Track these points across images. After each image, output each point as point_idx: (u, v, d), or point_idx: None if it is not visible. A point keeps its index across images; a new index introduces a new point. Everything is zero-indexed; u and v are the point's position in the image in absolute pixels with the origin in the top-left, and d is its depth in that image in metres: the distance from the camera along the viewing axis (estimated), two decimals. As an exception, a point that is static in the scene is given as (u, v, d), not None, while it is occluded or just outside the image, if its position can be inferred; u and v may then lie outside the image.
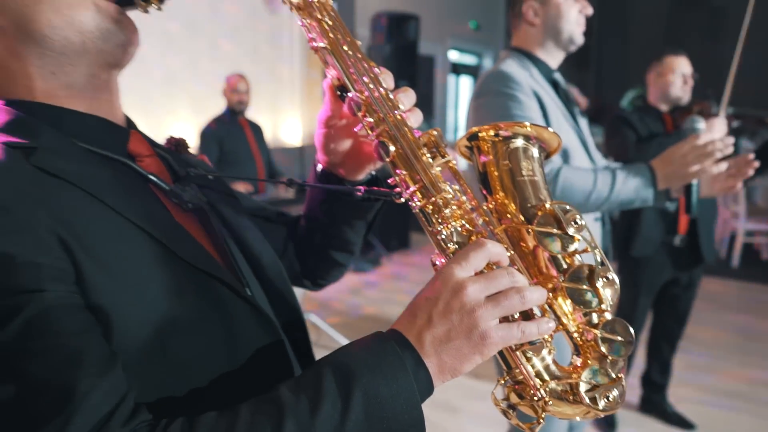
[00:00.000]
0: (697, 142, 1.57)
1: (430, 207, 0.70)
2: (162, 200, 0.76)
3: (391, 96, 0.75)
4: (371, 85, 0.75)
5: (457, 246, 0.69)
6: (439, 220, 0.70)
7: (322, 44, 0.77)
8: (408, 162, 0.72)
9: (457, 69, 9.80)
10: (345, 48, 0.76)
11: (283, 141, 6.19)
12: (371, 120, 0.74)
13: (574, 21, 1.81)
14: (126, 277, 0.64)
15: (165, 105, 4.87)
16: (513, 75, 1.73)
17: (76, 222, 0.63)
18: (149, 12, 0.74)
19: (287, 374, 0.77)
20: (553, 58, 1.87)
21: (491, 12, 9.91)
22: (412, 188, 0.71)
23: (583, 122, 1.95)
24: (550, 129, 0.78)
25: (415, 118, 0.76)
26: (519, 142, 0.78)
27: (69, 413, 0.56)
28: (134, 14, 0.75)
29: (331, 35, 0.77)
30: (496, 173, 0.77)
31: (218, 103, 4.58)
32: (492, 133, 0.78)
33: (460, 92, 10.16)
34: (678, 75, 2.84)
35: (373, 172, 0.92)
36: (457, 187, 0.73)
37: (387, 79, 0.77)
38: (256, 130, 4.57)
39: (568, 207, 0.71)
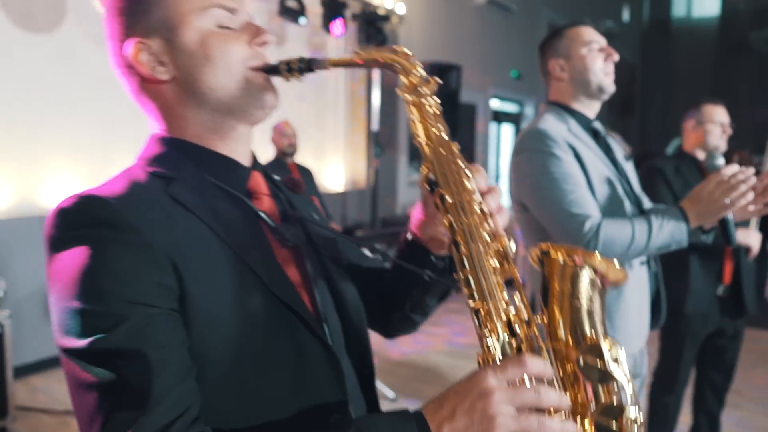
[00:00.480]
0: (720, 176, 1.60)
1: (483, 312, 0.76)
2: (267, 234, 0.88)
3: (478, 197, 0.81)
4: (457, 186, 0.81)
5: (500, 353, 0.74)
6: (488, 326, 0.75)
7: (422, 139, 0.84)
8: (472, 264, 0.77)
9: (499, 117, 9.89)
10: (441, 149, 0.83)
11: (327, 187, 6.34)
12: (451, 218, 0.79)
13: (600, 71, 1.84)
14: (219, 299, 0.77)
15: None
16: (549, 132, 1.77)
17: (188, 248, 0.77)
18: (290, 80, 0.89)
19: (342, 413, 0.85)
20: (589, 108, 1.90)
21: (532, 61, 10.01)
22: (472, 288, 0.77)
23: (629, 167, 1.96)
24: (617, 265, 0.81)
25: (500, 219, 0.82)
26: (585, 270, 0.81)
27: (143, 411, 0.67)
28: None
29: (430, 132, 0.84)
30: (557, 291, 0.81)
31: (265, 151, 4.75)
32: (562, 255, 0.82)
33: (502, 140, 10.22)
34: (717, 124, 2.82)
35: None
36: (516, 297, 0.78)
37: (479, 179, 0.83)
38: (306, 173, 4.72)
39: (611, 343, 0.74)
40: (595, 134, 1.90)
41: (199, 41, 0.84)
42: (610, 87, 1.86)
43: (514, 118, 10.45)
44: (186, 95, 0.86)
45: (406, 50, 0.86)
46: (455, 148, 0.83)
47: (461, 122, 6.54)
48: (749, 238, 2.63)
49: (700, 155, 2.87)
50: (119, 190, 0.78)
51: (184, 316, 0.74)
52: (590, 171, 1.77)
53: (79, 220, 0.74)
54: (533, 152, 1.78)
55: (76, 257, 0.72)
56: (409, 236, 0.98)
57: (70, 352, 0.71)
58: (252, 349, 0.78)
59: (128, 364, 0.69)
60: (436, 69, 5.83)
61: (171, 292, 0.73)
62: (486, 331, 0.75)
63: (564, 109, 1.89)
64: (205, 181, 0.85)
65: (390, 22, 6.07)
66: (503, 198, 0.84)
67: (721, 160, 1.71)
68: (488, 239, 0.79)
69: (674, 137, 10.47)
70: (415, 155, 7.37)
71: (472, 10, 8.23)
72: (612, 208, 1.77)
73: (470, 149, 8.68)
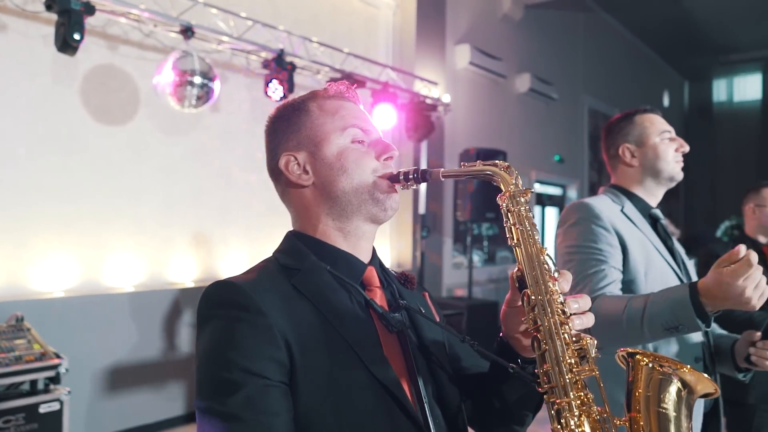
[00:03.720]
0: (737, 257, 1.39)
1: (559, 407, 0.81)
2: (375, 321, 0.99)
3: (562, 299, 0.87)
4: (542, 287, 0.87)
5: None
6: (564, 422, 0.80)
7: (515, 242, 0.91)
8: (551, 361, 0.83)
9: (542, 200, 9.94)
10: (533, 251, 0.90)
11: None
12: (535, 316, 0.86)
13: (672, 160, 1.85)
14: (323, 376, 0.87)
15: (266, 232, 5.25)
16: (594, 207, 1.77)
17: (301, 330, 0.89)
18: (408, 188, 1.03)
19: None
20: (653, 195, 1.90)
21: (574, 146, 10.18)
22: (551, 383, 0.82)
23: (684, 257, 1.92)
24: (707, 377, 0.81)
25: (581, 322, 0.87)
26: (672, 378, 0.83)
27: None
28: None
29: (523, 237, 0.91)
30: (639, 394, 0.84)
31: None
32: (647, 360, 0.85)
33: (546, 222, 10.21)
34: None
35: None
36: (590, 396, 0.82)
37: (563, 282, 0.89)
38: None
39: None
40: (654, 221, 1.88)
41: (337, 155, 1.01)
42: (679, 175, 1.87)
43: (558, 201, 10.48)
44: (321, 197, 1.02)
45: (507, 163, 0.97)
46: (544, 252, 0.90)
47: (506, 206, 6.60)
48: None
49: (762, 239, 2.85)
50: (252, 278, 0.94)
51: (292, 389, 0.86)
52: (631, 257, 1.73)
53: (218, 302, 0.90)
54: (575, 221, 1.78)
55: (211, 332, 0.88)
56: (500, 336, 1.02)
57: (199, 408, 0.85)
58: (350, 425, 0.87)
59: (240, 427, 0.81)
60: (481, 154, 5.99)
61: (283, 367, 0.86)
62: (560, 427, 0.79)
63: (624, 193, 1.89)
64: (324, 272, 0.98)
65: (437, 110, 6.30)
66: (588, 303, 0.89)
67: None
68: (568, 339, 0.83)
69: (722, 220, 10.27)
70: (458, 238, 7.43)
71: (515, 98, 8.48)
72: None
73: (514, 232, 8.68)
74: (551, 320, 0.84)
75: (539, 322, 0.84)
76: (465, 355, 1.14)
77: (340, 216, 1.02)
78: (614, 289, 1.66)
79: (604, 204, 1.81)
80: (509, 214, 0.93)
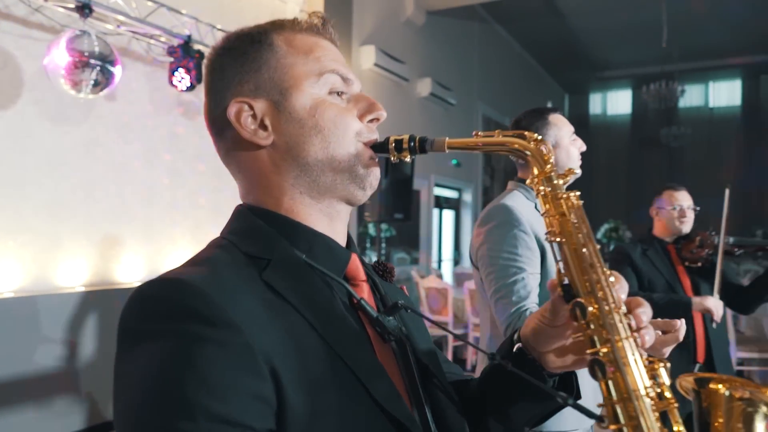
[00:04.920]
0: None
1: None
2: (366, 326, 0.76)
3: (623, 309, 0.66)
4: (601, 295, 0.66)
5: None
6: None
7: (557, 236, 0.71)
8: (622, 396, 0.62)
9: (440, 203, 10.17)
10: (582, 249, 0.68)
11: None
12: (593, 334, 0.65)
13: (576, 158, 1.98)
14: (319, 406, 0.64)
15: (166, 233, 4.90)
16: (514, 211, 1.82)
17: (286, 349, 0.64)
18: (398, 161, 0.82)
19: None
20: None
21: (470, 152, 10.50)
22: (620, 423, 0.62)
23: None
24: None
25: (650, 338, 0.66)
26: (760, 406, 0.70)
27: None
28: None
29: (569, 229, 0.70)
30: (719, 425, 0.70)
31: (217, 232, 4.62)
32: (724, 387, 0.71)
33: (443, 224, 10.46)
34: (677, 208, 3.01)
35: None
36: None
37: (620, 288, 0.68)
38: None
39: None
40: None
41: (310, 109, 0.76)
42: (579, 172, 1.96)
43: (454, 204, 10.77)
44: (286, 163, 0.77)
45: (537, 136, 0.76)
46: (596, 249, 0.69)
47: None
48: (707, 302, 2.70)
49: (667, 238, 3.04)
50: (211, 274, 0.66)
51: (277, 426, 0.61)
52: (550, 254, 1.80)
53: (165, 311, 0.61)
54: (497, 225, 1.82)
55: (155, 357, 0.58)
56: (517, 346, 0.79)
57: None
58: None
59: None
60: (390, 155, 5.95)
61: (269, 407, 0.60)
62: None
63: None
64: (301, 263, 0.73)
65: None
66: (650, 312, 0.69)
67: None
68: (640, 361, 0.63)
69: (600, 224, 11.06)
70: (359, 240, 7.38)
71: (416, 101, 8.62)
72: None
73: (415, 233, 8.81)
74: (622, 341, 0.63)
75: (600, 343, 0.63)
76: (445, 364, 0.95)
77: (310, 190, 0.78)
78: (534, 298, 1.72)
79: (521, 204, 1.87)
80: (547, 201, 0.71)
